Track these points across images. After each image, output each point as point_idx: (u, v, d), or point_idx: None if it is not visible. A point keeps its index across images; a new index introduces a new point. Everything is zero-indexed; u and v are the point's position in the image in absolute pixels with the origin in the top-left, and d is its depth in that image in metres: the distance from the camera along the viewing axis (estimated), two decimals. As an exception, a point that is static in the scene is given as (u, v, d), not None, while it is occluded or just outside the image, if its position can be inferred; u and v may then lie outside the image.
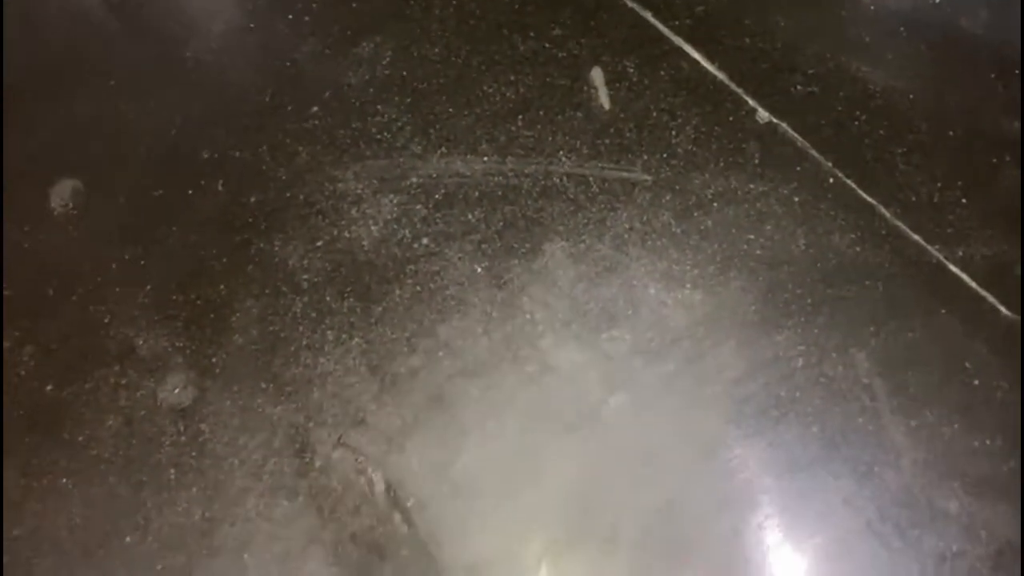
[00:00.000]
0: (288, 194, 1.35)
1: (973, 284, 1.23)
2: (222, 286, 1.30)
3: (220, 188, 1.36)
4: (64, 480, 1.21)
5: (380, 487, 1.19)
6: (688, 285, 1.25)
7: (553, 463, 1.18)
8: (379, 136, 1.37)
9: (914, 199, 1.28)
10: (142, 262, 1.33)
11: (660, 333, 1.23)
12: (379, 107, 1.39)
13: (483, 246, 1.30)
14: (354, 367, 1.25)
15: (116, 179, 1.39)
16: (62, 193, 1.38)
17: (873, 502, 1.13)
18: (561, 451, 1.19)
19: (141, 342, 1.28)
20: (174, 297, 1.30)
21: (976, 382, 1.17)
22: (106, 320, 1.30)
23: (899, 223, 1.26)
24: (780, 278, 1.25)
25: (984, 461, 1.14)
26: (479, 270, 1.28)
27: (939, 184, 1.28)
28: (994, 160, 1.29)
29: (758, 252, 1.26)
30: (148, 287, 1.31)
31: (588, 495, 1.17)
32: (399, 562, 1.15)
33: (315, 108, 1.40)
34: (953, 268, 1.24)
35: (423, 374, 1.24)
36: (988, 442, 1.15)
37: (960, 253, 1.24)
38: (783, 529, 1.13)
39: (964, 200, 1.27)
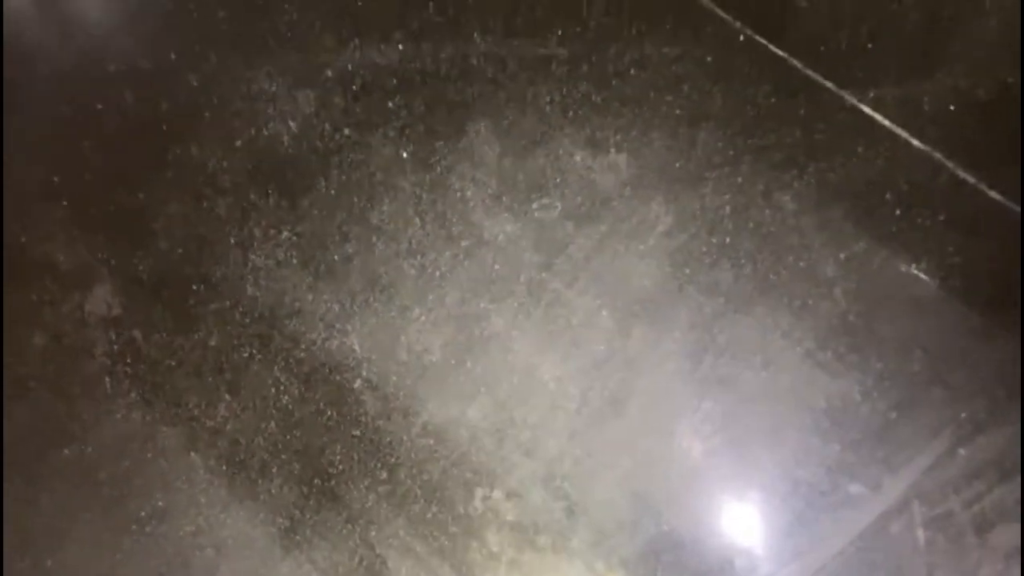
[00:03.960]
0: (201, 98, 1.29)
1: (887, 122, 1.23)
2: (141, 194, 1.24)
3: (130, 99, 1.30)
4: (-8, 402, 1.15)
5: (323, 374, 1.15)
6: (612, 149, 1.24)
7: (496, 330, 1.16)
8: (289, 34, 1.32)
9: (823, 48, 1.28)
10: (55, 179, 1.26)
11: (589, 197, 1.21)
12: (286, 5, 1.34)
13: (406, 131, 1.26)
14: (285, 260, 1.20)
15: (20, 99, 1.32)
16: (-37, 118, 1.31)
17: (811, 332, 1.14)
18: (503, 317, 1.16)
19: (62, 257, 1.21)
20: (92, 210, 1.24)
21: (898, 212, 1.18)
22: (22, 239, 1.23)
23: (811, 72, 1.27)
24: (701, 134, 1.24)
25: (913, 284, 1.15)
26: (405, 155, 1.25)
27: (846, 32, 1.28)
28: (895, 3, 1.30)
29: (677, 112, 1.25)
30: (64, 203, 1.24)
31: (532, 358, 1.15)
32: (347, 441, 1.11)
33: (221, 12, 1.34)
34: (866, 109, 1.24)
35: (357, 260, 1.20)
36: (915, 265, 1.16)
37: (872, 95, 1.25)
38: (727, 368, 1.12)
39: (870, 45, 1.27)
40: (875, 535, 1.06)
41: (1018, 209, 1.16)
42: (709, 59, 1.28)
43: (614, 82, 1.27)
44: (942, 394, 1.10)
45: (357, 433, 1.11)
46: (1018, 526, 1.05)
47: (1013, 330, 1.12)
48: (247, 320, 1.17)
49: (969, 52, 1.26)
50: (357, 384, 1.13)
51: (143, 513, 1.10)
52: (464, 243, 1.19)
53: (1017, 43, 1.22)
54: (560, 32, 1.30)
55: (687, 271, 1.16)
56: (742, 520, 1.08)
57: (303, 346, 1.15)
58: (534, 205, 1.21)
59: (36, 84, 1.32)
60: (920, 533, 1.06)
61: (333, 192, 1.23)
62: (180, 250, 1.20)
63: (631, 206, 1.20)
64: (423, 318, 1.16)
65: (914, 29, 1.28)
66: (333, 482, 1.10)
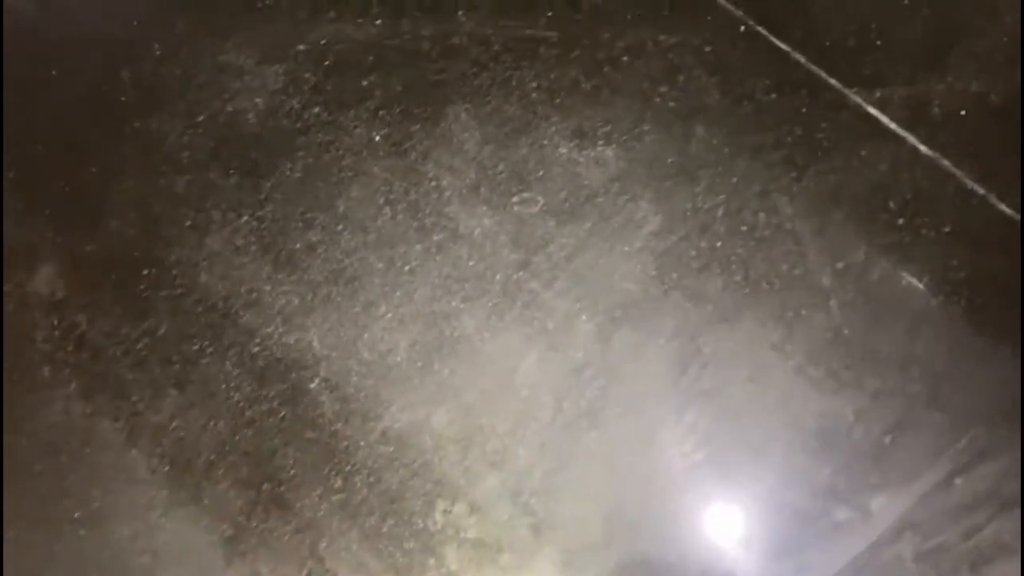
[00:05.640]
0: (164, 69, 1.20)
1: (893, 125, 1.15)
2: (93, 168, 1.15)
3: (87, 66, 1.21)
4: (-79, 387, 1.06)
5: (278, 371, 1.06)
6: (601, 142, 1.15)
7: (467, 331, 1.07)
8: (261, 4, 1.23)
9: (828, 43, 1.19)
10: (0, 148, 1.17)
11: (573, 192, 1.13)
12: (260, -27, 1.25)
13: (380, 112, 1.17)
14: (244, 247, 1.12)
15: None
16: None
17: (803, 346, 1.06)
18: (475, 318, 1.08)
19: (4, 233, 1.13)
20: (39, 184, 1.15)
21: (901, 221, 1.10)
22: (-38, 213, 1.14)
23: (814, 68, 1.18)
24: (695, 129, 1.15)
25: (914, 300, 1.07)
26: (377, 138, 1.16)
27: (853, 27, 1.20)
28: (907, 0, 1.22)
29: (672, 104, 1.17)
30: (10, 174, 1.16)
31: (504, 362, 1.06)
32: (301, 444, 1.03)
33: (190, -22, 1.25)
34: (872, 110, 1.16)
35: (321, 250, 1.11)
36: (916, 280, 1.08)
37: (878, 94, 1.17)
38: (712, 380, 1.05)
39: (879, 42, 1.19)
40: (864, 566, 0.98)
41: (1030, 223, 1.08)
42: (707, 49, 1.20)
43: (606, 69, 1.19)
44: (941, 418, 1.02)
45: (312, 436, 1.03)
46: (1018, 561, 0.97)
47: (1018, 352, 1.04)
48: (200, 309, 1.08)
49: (983, 54, 1.18)
50: (315, 383, 1.05)
51: (78, 514, 1.01)
52: (437, 236, 1.11)
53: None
54: (551, 13, 1.22)
55: (674, 275, 1.08)
56: (723, 544, 1.00)
57: (258, 340, 1.07)
58: (514, 198, 1.13)
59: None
60: (912, 566, 0.98)
61: (299, 175, 1.14)
62: (132, 231, 1.12)
63: (618, 204, 1.12)
64: (389, 315, 1.08)
65: (926, 27, 1.20)
66: (283, 488, 1.01)
